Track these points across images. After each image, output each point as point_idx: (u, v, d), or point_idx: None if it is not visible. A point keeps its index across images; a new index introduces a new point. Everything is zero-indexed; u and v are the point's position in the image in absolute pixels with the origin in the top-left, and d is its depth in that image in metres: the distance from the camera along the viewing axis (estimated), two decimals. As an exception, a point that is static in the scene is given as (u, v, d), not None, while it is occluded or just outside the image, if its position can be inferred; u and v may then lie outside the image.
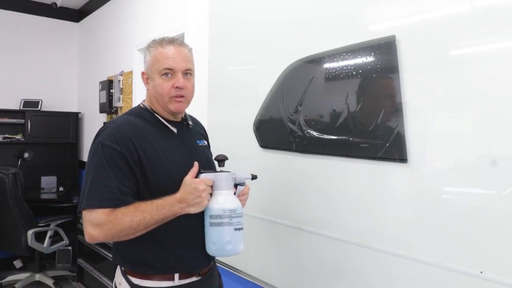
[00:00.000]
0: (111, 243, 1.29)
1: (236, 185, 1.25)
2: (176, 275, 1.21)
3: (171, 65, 1.22)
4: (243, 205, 1.26)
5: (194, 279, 1.24)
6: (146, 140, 1.18)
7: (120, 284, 1.23)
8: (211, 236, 1.17)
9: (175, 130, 1.27)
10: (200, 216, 1.20)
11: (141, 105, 1.31)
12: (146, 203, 1.12)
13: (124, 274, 1.22)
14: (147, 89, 1.28)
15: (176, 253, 1.21)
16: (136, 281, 1.20)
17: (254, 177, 1.26)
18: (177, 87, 1.22)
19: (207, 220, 1.18)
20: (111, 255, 2.77)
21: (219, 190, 1.17)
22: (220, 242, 1.17)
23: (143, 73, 1.29)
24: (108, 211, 1.09)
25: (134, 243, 1.16)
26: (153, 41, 1.27)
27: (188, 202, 1.13)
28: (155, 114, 1.27)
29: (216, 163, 1.27)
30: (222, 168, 1.23)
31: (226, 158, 1.24)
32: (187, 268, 1.23)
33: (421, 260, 1.18)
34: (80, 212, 1.14)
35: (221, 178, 1.18)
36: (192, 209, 1.14)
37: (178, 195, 1.14)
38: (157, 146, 1.20)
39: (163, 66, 1.21)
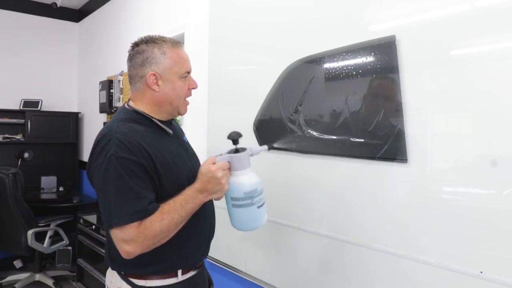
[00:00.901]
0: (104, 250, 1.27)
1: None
2: (179, 271, 1.22)
3: (190, 68, 1.23)
4: None
5: (192, 273, 1.26)
6: (155, 146, 1.14)
7: None
8: (235, 216, 1.18)
9: (171, 132, 1.25)
10: (203, 210, 1.20)
11: (131, 109, 1.22)
12: (169, 203, 1.10)
13: (125, 277, 1.20)
14: (155, 91, 1.19)
15: (182, 250, 1.21)
16: (140, 282, 1.19)
17: (270, 147, 1.22)
18: (192, 89, 1.25)
19: (229, 202, 1.17)
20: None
21: (237, 171, 1.14)
22: (244, 221, 1.18)
23: (153, 74, 1.17)
24: (137, 224, 1.06)
25: None
26: (156, 39, 1.21)
27: (209, 191, 1.12)
28: (152, 118, 1.21)
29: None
30: (237, 146, 1.19)
31: (240, 135, 1.18)
32: (190, 263, 1.25)
33: (421, 260, 1.18)
34: (108, 230, 1.09)
35: (238, 159, 1.15)
36: (214, 195, 1.13)
37: (197, 185, 1.12)
38: (164, 151, 1.17)
39: (184, 69, 1.21)
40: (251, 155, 1.18)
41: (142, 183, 1.09)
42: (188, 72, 1.23)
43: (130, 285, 1.19)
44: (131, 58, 1.22)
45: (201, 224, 1.26)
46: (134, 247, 1.06)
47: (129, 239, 1.06)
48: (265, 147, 1.24)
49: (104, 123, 3.73)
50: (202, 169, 1.14)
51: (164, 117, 1.25)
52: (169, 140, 1.24)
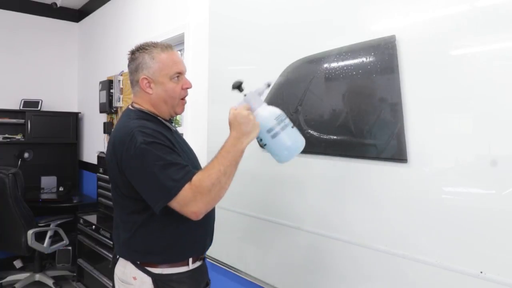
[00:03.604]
0: (114, 241, 1.34)
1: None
2: (190, 259, 1.30)
3: (181, 69, 1.30)
4: None
5: (198, 263, 1.34)
6: (167, 138, 1.22)
7: (135, 278, 1.25)
8: (280, 146, 1.21)
9: (173, 128, 1.36)
10: None
11: (137, 109, 1.30)
12: (212, 161, 1.16)
13: (140, 266, 1.26)
14: (150, 94, 1.28)
15: (192, 238, 1.29)
16: (156, 270, 1.25)
17: (269, 85, 1.31)
18: (187, 88, 1.32)
19: (267, 138, 1.21)
20: (111, 255, 2.77)
21: (257, 108, 1.21)
22: (289, 146, 1.21)
23: (145, 78, 1.27)
24: (188, 186, 1.11)
25: (151, 235, 1.23)
26: (147, 45, 1.29)
27: (245, 132, 1.16)
28: (157, 116, 1.31)
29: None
30: (244, 92, 1.26)
31: (242, 81, 1.26)
32: (199, 251, 1.34)
33: (421, 260, 1.18)
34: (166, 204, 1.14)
35: (252, 97, 1.22)
36: (251, 135, 1.18)
37: (233, 133, 1.17)
38: (175, 142, 1.25)
39: (174, 71, 1.28)
40: (259, 94, 1.25)
41: (177, 156, 1.18)
42: (179, 73, 1.30)
43: (146, 273, 1.24)
44: (128, 65, 1.33)
45: (207, 216, 1.30)
46: (197, 206, 1.12)
47: (189, 201, 1.11)
48: (264, 85, 1.29)
49: (104, 123, 3.74)
50: (229, 118, 1.19)
51: (164, 117, 1.34)
52: (173, 136, 1.32)
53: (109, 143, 1.28)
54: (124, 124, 1.23)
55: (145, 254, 1.25)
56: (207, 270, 1.44)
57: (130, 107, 1.33)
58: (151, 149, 1.14)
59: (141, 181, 1.17)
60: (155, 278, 1.24)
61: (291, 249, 1.63)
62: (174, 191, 1.11)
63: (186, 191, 1.11)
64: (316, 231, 1.51)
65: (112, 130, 1.32)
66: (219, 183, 1.12)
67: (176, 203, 1.12)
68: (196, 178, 1.12)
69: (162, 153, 1.14)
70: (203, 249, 1.36)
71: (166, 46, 1.30)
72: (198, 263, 1.34)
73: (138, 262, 1.26)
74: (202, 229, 1.33)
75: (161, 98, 1.29)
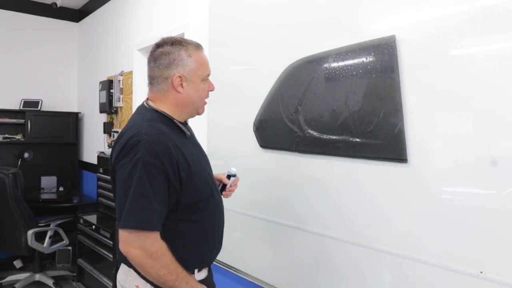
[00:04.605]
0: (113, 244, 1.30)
1: (228, 176, 1.42)
2: (196, 270, 1.26)
3: (210, 71, 1.28)
4: (230, 195, 1.46)
5: (204, 273, 1.30)
6: (179, 149, 1.16)
7: (137, 287, 1.21)
8: None
9: (189, 133, 1.29)
10: (219, 210, 1.31)
11: (153, 109, 1.23)
12: (177, 269, 1.14)
13: (143, 276, 1.19)
14: (179, 93, 1.21)
15: (199, 250, 1.26)
16: None
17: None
18: (211, 91, 1.31)
19: None
20: (111, 255, 2.77)
21: None
22: None
23: (179, 76, 1.20)
24: (153, 237, 1.11)
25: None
26: (182, 40, 1.23)
27: None
28: (173, 119, 1.23)
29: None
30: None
31: None
32: (206, 262, 1.30)
33: (421, 260, 1.18)
34: (117, 229, 1.12)
35: None
36: None
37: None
38: (185, 155, 1.18)
39: (207, 72, 1.26)
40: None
41: (160, 192, 1.11)
42: (209, 75, 1.28)
43: (150, 283, 1.18)
44: (155, 59, 1.22)
45: (217, 225, 1.31)
46: (133, 252, 1.09)
47: (138, 248, 1.09)
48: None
49: (104, 123, 3.74)
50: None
51: (183, 118, 1.28)
52: (187, 141, 1.26)
53: (117, 137, 1.21)
54: (136, 123, 1.18)
55: None
56: (212, 275, 1.40)
57: (145, 104, 1.26)
58: (142, 169, 1.08)
59: (117, 189, 1.14)
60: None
61: (291, 249, 1.63)
62: (126, 226, 1.08)
63: (132, 234, 1.08)
64: (316, 231, 1.51)
65: (125, 126, 1.25)
66: (161, 275, 1.11)
67: (129, 234, 1.09)
68: (162, 248, 1.11)
69: (148, 179, 1.08)
70: (209, 258, 1.32)
71: (199, 45, 1.26)
72: (204, 272, 1.30)
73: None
74: (211, 241, 1.29)
75: (190, 98, 1.23)
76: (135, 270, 1.19)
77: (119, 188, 1.13)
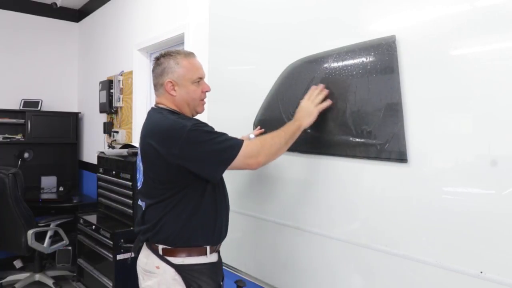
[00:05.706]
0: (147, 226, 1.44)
1: None
2: (208, 248, 1.41)
3: (201, 74, 1.46)
4: None
5: (215, 256, 1.45)
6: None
7: (158, 267, 1.37)
8: None
9: None
10: (225, 193, 1.50)
11: (166, 109, 1.42)
12: (278, 130, 1.42)
13: (162, 257, 1.37)
14: (173, 96, 1.42)
15: (211, 226, 1.41)
16: (176, 260, 1.36)
17: None
18: (206, 92, 1.48)
19: None
20: (111, 255, 2.77)
21: None
22: None
23: (169, 82, 1.41)
24: (255, 141, 1.37)
25: (175, 222, 1.36)
26: (172, 52, 1.43)
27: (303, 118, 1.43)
28: (184, 114, 1.44)
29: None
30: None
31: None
32: (216, 240, 1.44)
33: (421, 260, 1.18)
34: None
35: None
36: (307, 121, 1.44)
37: (297, 116, 1.44)
38: None
39: (196, 76, 1.44)
40: None
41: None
42: (200, 78, 1.45)
43: (168, 264, 1.36)
44: (153, 70, 1.46)
45: (225, 205, 1.49)
46: (261, 157, 1.33)
47: (255, 154, 1.32)
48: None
49: (104, 123, 3.74)
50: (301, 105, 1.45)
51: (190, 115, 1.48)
52: None
53: (144, 136, 1.40)
54: (161, 118, 1.36)
55: (168, 237, 1.36)
56: (222, 266, 1.55)
57: (155, 107, 1.46)
58: (202, 128, 1.30)
59: (197, 157, 1.29)
60: (177, 268, 1.35)
61: (291, 249, 1.63)
62: (238, 147, 1.29)
63: (253, 144, 1.32)
64: (316, 231, 1.51)
65: (144, 127, 1.44)
66: (279, 144, 1.36)
67: (241, 157, 1.29)
68: (254, 141, 1.36)
69: (212, 130, 1.31)
70: (219, 238, 1.45)
71: (189, 53, 1.46)
72: (215, 256, 1.45)
73: (161, 251, 1.37)
74: (221, 219, 1.45)
75: (184, 100, 1.43)
76: (155, 253, 1.38)
77: (196, 155, 1.29)
